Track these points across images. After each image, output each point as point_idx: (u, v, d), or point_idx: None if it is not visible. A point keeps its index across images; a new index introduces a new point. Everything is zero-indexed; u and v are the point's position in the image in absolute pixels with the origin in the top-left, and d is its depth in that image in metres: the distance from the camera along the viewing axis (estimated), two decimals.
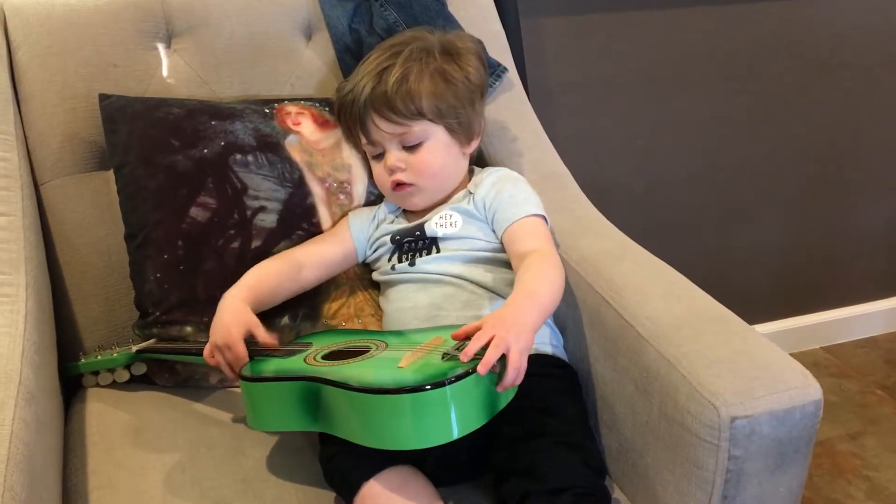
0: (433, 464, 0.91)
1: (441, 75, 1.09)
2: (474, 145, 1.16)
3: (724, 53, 1.77)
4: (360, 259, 1.17)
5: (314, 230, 1.16)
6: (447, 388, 0.79)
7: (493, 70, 1.31)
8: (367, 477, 0.88)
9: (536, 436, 0.91)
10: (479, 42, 1.18)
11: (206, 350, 1.02)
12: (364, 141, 1.13)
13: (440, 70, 1.09)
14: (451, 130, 1.11)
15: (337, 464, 0.91)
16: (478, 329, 0.86)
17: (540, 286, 0.95)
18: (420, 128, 1.08)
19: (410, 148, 1.09)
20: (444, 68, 1.10)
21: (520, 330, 0.85)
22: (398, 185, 1.11)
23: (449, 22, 1.30)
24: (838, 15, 1.81)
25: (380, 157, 1.12)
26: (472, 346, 0.83)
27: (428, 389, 0.79)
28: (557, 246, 1.12)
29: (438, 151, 1.10)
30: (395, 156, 1.10)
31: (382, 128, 1.09)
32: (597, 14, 1.65)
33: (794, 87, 1.85)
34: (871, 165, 2.00)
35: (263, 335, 1.01)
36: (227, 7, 1.26)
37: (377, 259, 1.15)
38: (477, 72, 1.13)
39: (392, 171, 1.10)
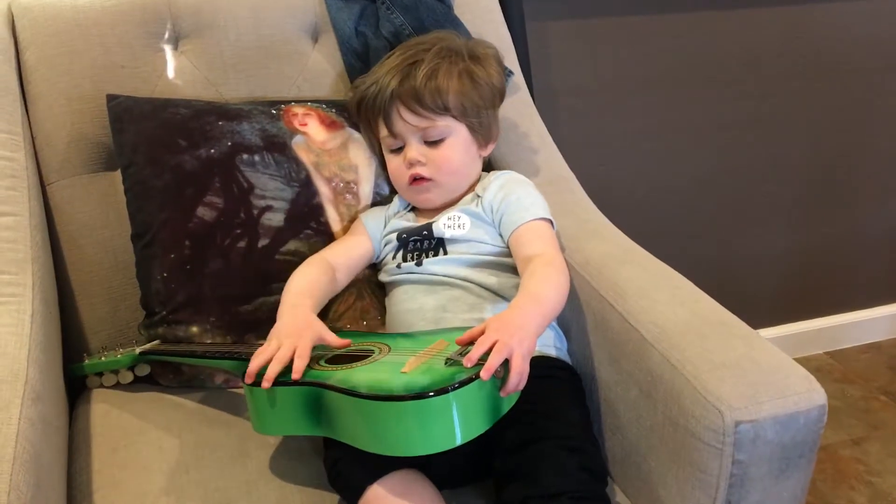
0: (437, 467, 0.91)
1: (468, 75, 1.11)
2: (490, 149, 1.18)
3: (729, 58, 1.77)
4: (377, 255, 1.17)
5: (322, 229, 1.17)
6: (451, 394, 0.79)
7: None
8: (371, 480, 0.88)
9: (537, 440, 0.91)
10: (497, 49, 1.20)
11: (277, 351, 0.93)
12: (385, 133, 1.13)
13: (468, 70, 1.11)
14: (472, 130, 1.12)
15: (341, 467, 0.92)
16: (481, 333, 0.86)
17: (544, 290, 0.95)
18: (444, 123, 1.10)
19: (432, 143, 1.11)
20: (472, 69, 1.12)
21: (523, 335, 0.85)
22: (415, 179, 1.11)
23: (455, 25, 1.30)
24: (842, 20, 1.81)
25: (399, 150, 1.13)
26: (476, 352, 0.83)
27: (431, 396, 0.79)
28: (563, 249, 1.12)
29: (459, 149, 1.11)
30: (416, 149, 1.11)
31: (408, 120, 1.09)
32: (602, 18, 1.65)
33: (799, 93, 1.85)
34: (875, 170, 2.00)
35: (335, 339, 0.97)
36: (234, 9, 1.26)
37: (383, 257, 1.16)
38: (499, 76, 1.16)
39: (412, 164, 1.11)
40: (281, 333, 0.95)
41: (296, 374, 0.89)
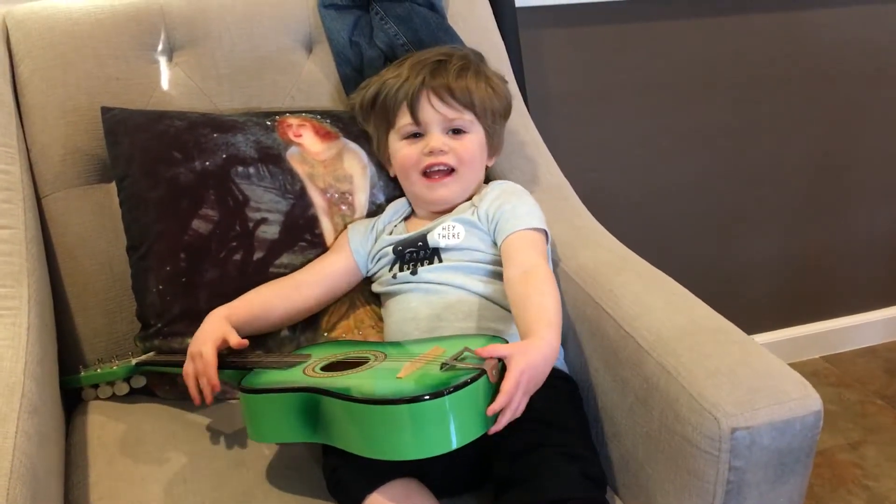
0: (436, 475, 0.91)
1: (489, 84, 1.16)
2: (493, 161, 1.21)
3: (722, 63, 1.78)
4: (364, 273, 1.17)
5: (317, 241, 1.17)
6: (446, 398, 0.79)
7: None
8: (370, 489, 0.88)
9: (536, 447, 0.91)
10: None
11: (186, 366, 1.02)
12: (407, 120, 1.13)
13: (489, 79, 1.16)
14: (487, 134, 1.16)
15: (340, 476, 0.92)
16: (502, 357, 0.85)
17: (555, 313, 0.94)
18: (469, 118, 1.13)
19: (455, 133, 1.13)
20: (492, 79, 1.17)
21: (540, 378, 0.86)
22: (430, 172, 1.12)
23: (449, 35, 1.30)
24: (836, 25, 1.82)
25: (416, 137, 1.13)
26: (500, 403, 0.82)
27: (427, 399, 0.79)
28: (558, 258, 1.12)
29: (477, 145, 1.14)
30: (439, 138, 1.12)
31: (438, 109, 1.11)
32: (595, 26, 1.66)
33: (793, 97, 1.86)
34: (869, 175, 2.01)
35: (236, 340, 1.02)
36: (228, 20, 1.26)
37: (378, 270, 1.15)
38: (508, 96, 1.20)
39: (432, 151, 1.11)
40: (191, 351, 1.02)
41: (207, 399, 1.00)
